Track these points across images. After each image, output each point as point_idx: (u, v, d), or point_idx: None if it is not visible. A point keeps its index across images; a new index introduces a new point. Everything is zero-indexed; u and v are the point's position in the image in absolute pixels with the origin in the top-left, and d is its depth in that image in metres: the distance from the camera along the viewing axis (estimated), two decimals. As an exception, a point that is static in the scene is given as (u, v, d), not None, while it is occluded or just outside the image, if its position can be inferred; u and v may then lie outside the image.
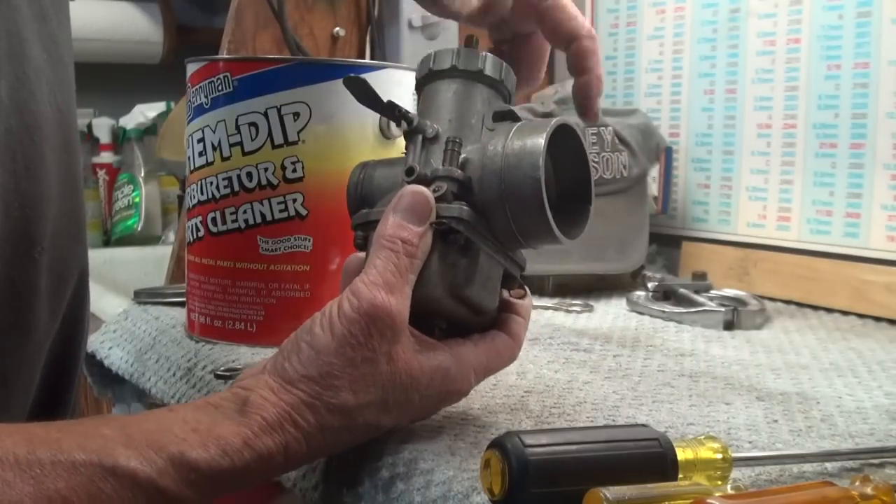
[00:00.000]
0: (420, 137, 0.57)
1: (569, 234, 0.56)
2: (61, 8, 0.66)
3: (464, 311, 0.56)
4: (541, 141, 0.54)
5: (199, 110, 0.77)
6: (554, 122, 0.56)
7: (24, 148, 0.58)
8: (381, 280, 0.51)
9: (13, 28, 0.58)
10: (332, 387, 0.50)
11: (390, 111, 0.57)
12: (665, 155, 1.23)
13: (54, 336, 0.66)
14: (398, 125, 0.58)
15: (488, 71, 0.59)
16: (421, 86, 0.61)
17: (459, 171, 0.55)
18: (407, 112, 0.57)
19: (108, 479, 0.44)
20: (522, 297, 0.60)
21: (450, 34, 1.29)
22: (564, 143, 0.57)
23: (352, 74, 0.59)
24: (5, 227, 0.57)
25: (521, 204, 0.54)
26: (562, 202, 0.58)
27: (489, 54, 0.60)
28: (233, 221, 0.76)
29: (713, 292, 1.04)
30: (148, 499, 0.45)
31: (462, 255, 0.55)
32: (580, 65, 0.67)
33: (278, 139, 0.74)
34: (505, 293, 0.60)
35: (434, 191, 0.55)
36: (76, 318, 0.70)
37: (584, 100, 0.68)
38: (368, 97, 0.58)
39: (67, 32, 0.66)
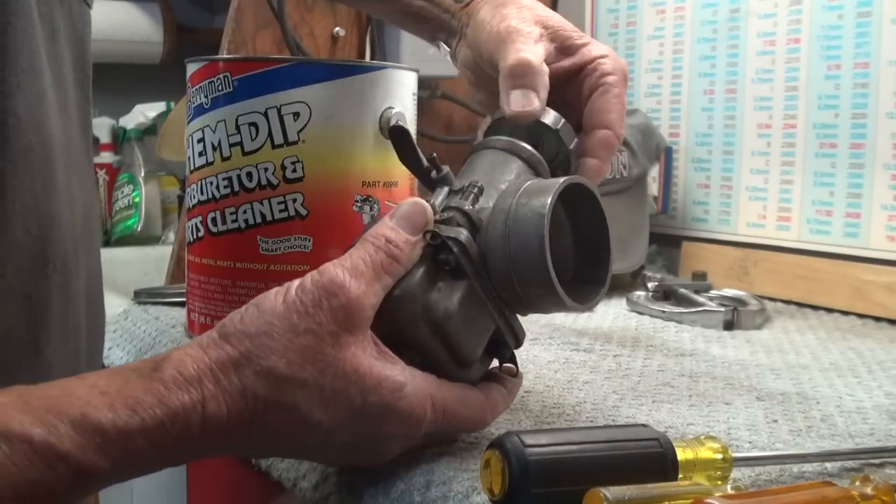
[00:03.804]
0: (446, 189, 0.56)
1: (581, 302, 0.54)
2: (75, 26, 0.65)
3: (438, 346, 0.52)
4: (548, 200, 0.52)
5: (199, 110, 0.77)
6: (565, 180, 0.54)
7: (42, 166, 0.58)
8: (350, 265, 0.50)
9: (34, 46, 0.58)
10: (265, 347, 0.47)
11: (431, 167, 0.57)
12: (665, 155, 1.24)
13: (70, 354, 0.65)
14: (433, 183, 0.57)
15: (526, 153, 0.60)
16: (467, 156, 0.62)
17: (471, 206, 0.54)
18: (443, 168, 0.57)
19: (1, 444, 0.41)
20: (514, 375, 0.57)
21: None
22: (580, 201, 0.56)
23: (399, 124, 0.58)
24: (25, 245, 0.57)
25: (525, 253, 0.52)
26: (578, 267, 0.57)
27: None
28: (233, 221, 0.76)
29: (713, 292, 1.04)
30: (49, 465, 0.42)
31: (450, 279, 0.52)
32: (597, 151, 0.64)
33: (278, 139, 0.74)
34: (495, 363, 0.57)
35: (440, 213, 0.54)
36: (90, 336, 0.69)
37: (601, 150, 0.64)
38: (410, 154, 0.58)
39: (78, 49, 0.65)
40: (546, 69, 0.63)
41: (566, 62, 0.67)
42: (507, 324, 0.55)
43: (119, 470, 0.44)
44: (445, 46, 0.75)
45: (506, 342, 0.56)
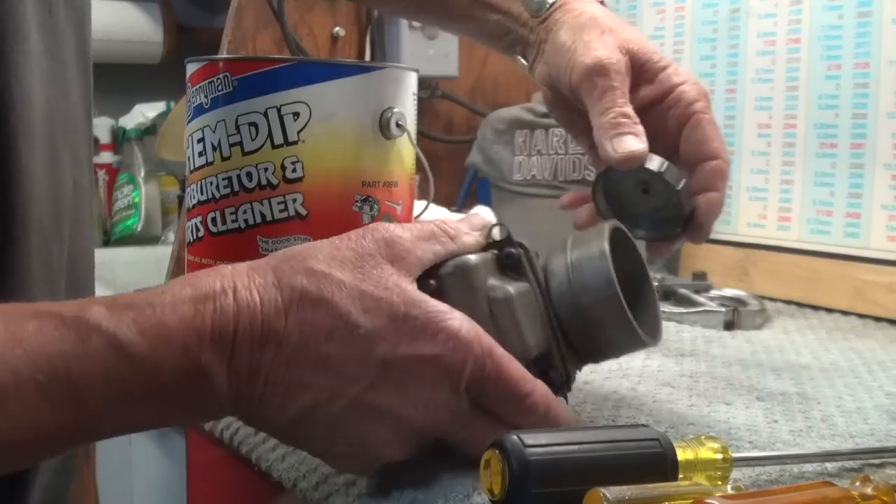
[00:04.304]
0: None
1: (652, 336, 0.54)
2: (75, 7, 0.64)
3: (491, 327, 0.50)
4: (604, 243, 0.53)
5: (199, 110, 0.77)
6: (607, 224, 0.55)
7: (16, 131, 0.56)
8: (397, 223, 0.50)
9: (21, 12, 0.56)
10: (304, 254, 0.48)
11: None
12: (665, 155, 1.24)
13: None
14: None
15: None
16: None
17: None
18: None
19: (31, 319, 0.42)
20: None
21: (449, 34, 1.28)
22: (616, 244, 0.55)
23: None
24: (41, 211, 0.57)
25: (594, 295, 0.52)
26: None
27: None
28: (233, 221, 0.76)
29: (713, 292, 1.04)
30: (81, 338, 0.42)
31: (511, 276, 0.52)
32: (712, 183, 0.65)
33: (278, 139, 0.74)
34: None
35: (503, 244, 0.53)
36: None
37: (705, 217, 0.66)
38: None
39: (76, 32, 0.65)
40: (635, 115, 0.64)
41: (647, 91, 0.67)
42: (558, 347, 0.53)
43: (154, 349, 0.43)
44: (523, 60, 0.74)
45: (556, 365, 0.53)
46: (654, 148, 0.64)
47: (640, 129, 0.63)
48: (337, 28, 1.26)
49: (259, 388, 0.45)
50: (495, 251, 0.52)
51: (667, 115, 0.67)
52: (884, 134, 1.02)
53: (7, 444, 0.41)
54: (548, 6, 0.71)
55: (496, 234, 0.53)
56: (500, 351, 0.48)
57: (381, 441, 0.48)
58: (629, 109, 0.64)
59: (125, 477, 1.17)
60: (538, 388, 0.49)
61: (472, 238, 0.52)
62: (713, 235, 1.22)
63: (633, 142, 0.62)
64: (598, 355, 0.55)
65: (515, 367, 0.49)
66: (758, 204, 1.15)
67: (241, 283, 0.46)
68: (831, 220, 1.07)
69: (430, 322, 0.47)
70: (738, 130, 1.17)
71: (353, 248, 0.48)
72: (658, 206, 0.66)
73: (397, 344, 0.46)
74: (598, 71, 0.64)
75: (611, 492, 0.42)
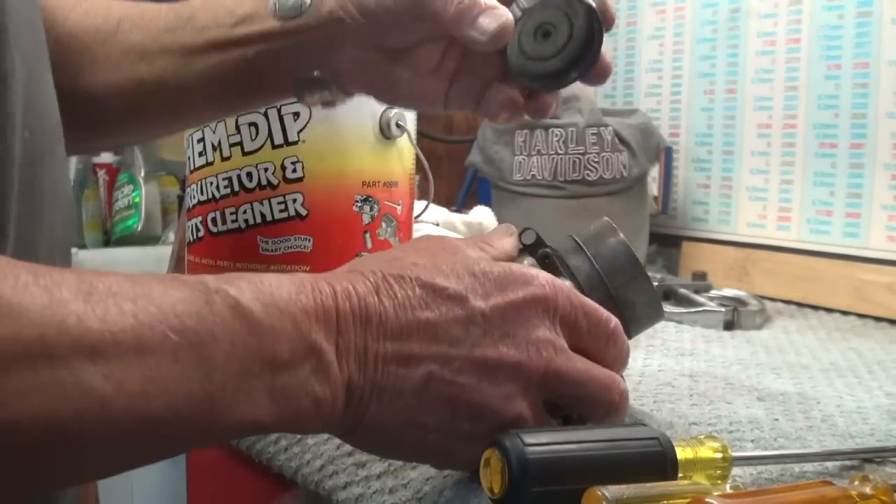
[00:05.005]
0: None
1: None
2: None
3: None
4: (619, 233, 0.56)
5: (200, 110, 0.77)
6: (605, 219, 0.57)
7: None
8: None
9: None
10: (376, 255, 0.49)
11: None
12: (665, 155, 1.24)
13: None
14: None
15: None
16: None
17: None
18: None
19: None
20: None
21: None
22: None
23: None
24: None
25: (617, 265, 0.55)
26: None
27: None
28: (233, 221, 0.76)
29: (713, 292, 1.04)
30: (207, 301, 0.41)
31: (550, 270, 0.54)
32: None
33: (278, 139, 0.74)
34: None
35: (536, 247, 0.55)
36: None
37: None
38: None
39: None
40: None
41: None
42: None
43: (270, 316, 0.42)
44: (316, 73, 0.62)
45: None
46: None
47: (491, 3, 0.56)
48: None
49: (370, 373, 0.45)
50: (529, 255, 0.55)
51: None
52: (883, 134, 1.02)
53: (140, 415, 0.38)
54: (307, 2, 0.60)
55: (526, 238, 0.55)
56: (589, 307, 0.50)
57: (503, 396, 0.47)
58: None
59: (125, 477, 1.17)
60: (612, 316, 0.51)
61: (508, 241, 0.53)
62: (713, 235, 1.23)
63: (491, 17, 0.56)
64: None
65: (591, 301, 0.51)
66: (758, 204, 1.15)
67: (327, 275, 0.46)
68: (831, 220, 1.07)
69: (511, 272, 0.48)
70: (738, 130, 1.17)
71: (414, 244, 0.50)
72: (560, 46, 0.62)
73: (488, 295, 0.47)
74: None
75: (609, 490, 0.42)
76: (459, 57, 0.61)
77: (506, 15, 0.56)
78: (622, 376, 0.51)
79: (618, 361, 0.51)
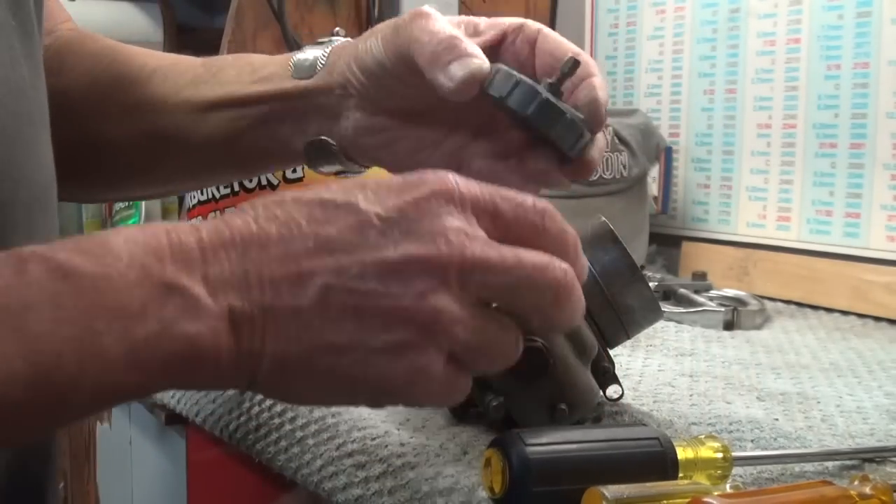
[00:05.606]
0: None
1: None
2: None
3: None
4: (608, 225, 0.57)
5: (200, 110, 0.77)
6: (600, 221, 0.58)
7: None
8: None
9: None
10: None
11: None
12: (665, 155, 1.24)
13: None
14: None
15: None
16: None
17: None
18: None
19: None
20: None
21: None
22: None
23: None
24: None
25: (613, 266, 0.56)
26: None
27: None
28: (233, 221, 0.76)
29: (713, 292, 1.04)
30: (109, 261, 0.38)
31: None
32: (585, 71, 0.56)
33: (278, 139, 0.74)
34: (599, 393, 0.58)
35: None
36: None
37: (594, 102, 0.56)
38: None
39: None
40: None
41: (485, 37, 0.58)
42: (602, 342, 0.58)
43: (102, 264, 0.39)
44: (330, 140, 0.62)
45: (605, 360, 0.58)
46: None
47: (472, 44, 0.55)
48: (337, 28, 1.26)
49: (255, 297, 0.41)
50: None
51: (515, 49, 0.59)
52: (883, 134, 1.02)
53: None
54: (321, 63, 0.61)
55: None
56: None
57: (416, 294, 0.41)
58: (457, 32, 0.55)
59: (125, 477, 1.17)
60: (543, 200, 0.45)
61: None
62: (713, 235, 1.23)
63: (470, 61, 0.54)
64: (621, 340, 0.60)
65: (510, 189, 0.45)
66: (758, 204, 1.15)
67: (190, 222, 0.43)
68: (831, 219, 1.07)
69: (408, 177, 0.44)
70: (738, 130, 1.17)
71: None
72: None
73: (383, 200, 0.42)
74: (416, 17, 0.57)
75: (609, 490, 0.42)
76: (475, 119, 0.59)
77: (479, 65, 0.54)
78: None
79: (561, 248, 0.44)
